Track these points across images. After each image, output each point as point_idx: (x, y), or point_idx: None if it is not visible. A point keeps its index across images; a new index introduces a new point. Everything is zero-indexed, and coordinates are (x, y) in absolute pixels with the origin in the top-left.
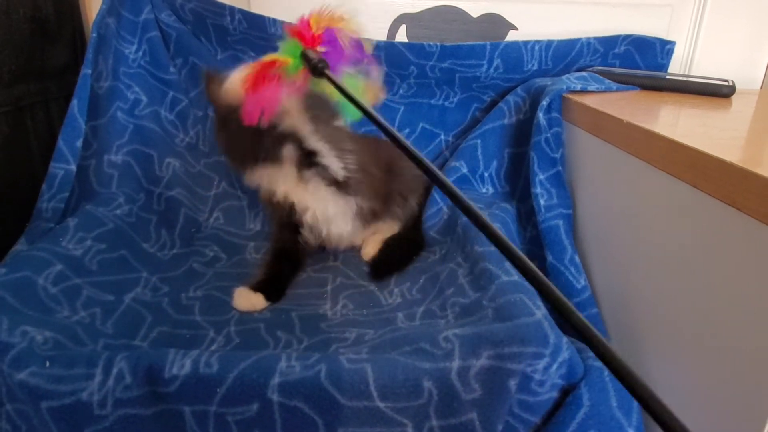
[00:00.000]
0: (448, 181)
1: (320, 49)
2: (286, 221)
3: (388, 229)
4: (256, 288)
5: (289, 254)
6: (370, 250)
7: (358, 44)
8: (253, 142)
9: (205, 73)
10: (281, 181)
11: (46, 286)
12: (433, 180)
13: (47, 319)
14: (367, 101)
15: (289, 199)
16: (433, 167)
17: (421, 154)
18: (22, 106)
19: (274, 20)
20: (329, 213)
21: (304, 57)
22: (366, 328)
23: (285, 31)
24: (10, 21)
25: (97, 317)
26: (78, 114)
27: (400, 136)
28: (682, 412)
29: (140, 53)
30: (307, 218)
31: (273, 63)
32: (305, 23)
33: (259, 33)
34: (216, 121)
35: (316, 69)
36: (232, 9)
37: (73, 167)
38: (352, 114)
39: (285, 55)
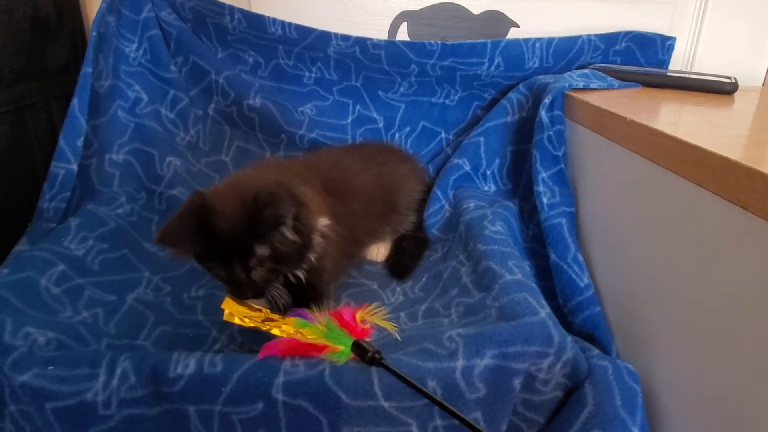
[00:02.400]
0: None
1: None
2: None
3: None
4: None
5: None
6: (383, 251)
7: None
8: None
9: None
10: None
11: (49, 287)
12: None
13: (50, 320)
14: None
15: None
16: None
17: None
18: (23, 106)
19: (274, 20)
20: None
21: (357, 348)
22: None
23: (331, 320)
24: (10, 21)
25: (100, 317)
26: (79, 113)
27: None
28: (686, 409)
29: (141, 52)
30: None
31: (323, 347)
32: (352, 317)
33: (259, 32)
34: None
35: (374, 360)
36: (231, 8)
37: (74, 167)
38: None
39: (337, 343)
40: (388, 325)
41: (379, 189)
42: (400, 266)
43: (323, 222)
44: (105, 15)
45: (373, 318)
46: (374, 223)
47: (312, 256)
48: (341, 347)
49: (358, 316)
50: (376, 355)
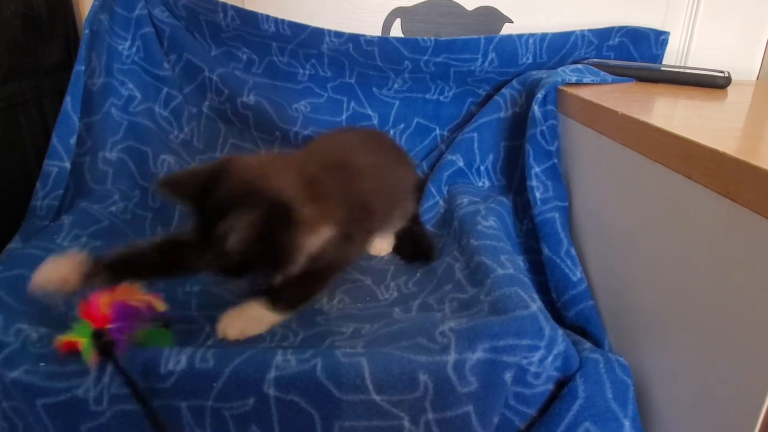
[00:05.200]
0: None
1: (109, 325)
2: None
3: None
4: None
5: None
6: (385, 245)
7: (150, 305)
8: None
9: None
10: None
11: None
12: None
13: (43, 315)
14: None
15: None
16: None
17: None
18: (16, 104)
19: (267, 17)
20: None
21: (95, 337)
22: (363, 322)
23: (79, 310)
24: (1, 18)
25: None
26: (71, 111)
27: None
28: (677, 401)
29: (134, 49)
30: None
31: (69, 343)
32: (94, 304)
33: (252, 30)
34: None
35: (104, 350)
36: (224, 5)
37: (67, 164)
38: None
39: (78, 336)
40: (151, 299)
41: (386, 170)
42: (422, 249)
43: (323, 234)
44: (98, 13)
45: (128, 296)
46: (386, 203)
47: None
48: (85, 339)
49: (101, 301)
50: (106, 346)
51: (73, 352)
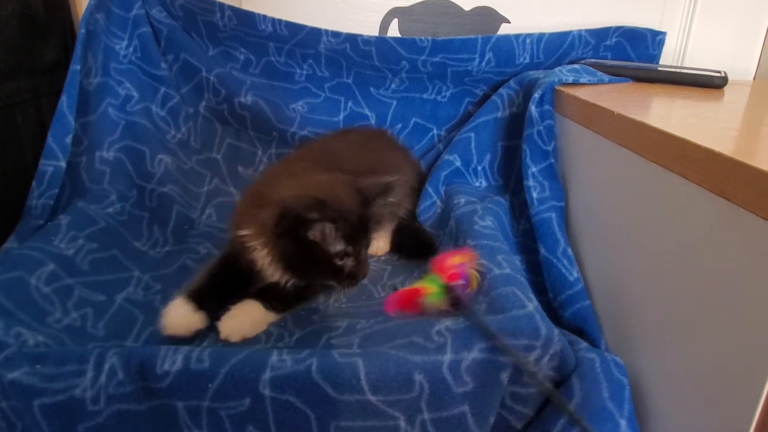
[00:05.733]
0: None
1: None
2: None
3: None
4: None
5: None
6: (383, 244)
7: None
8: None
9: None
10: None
11: (39, 286)
12: None
13: (40, 323)
14: None
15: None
16: None
17: None
18: (13, 104)
19: (264, 17)
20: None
21: (448, 290)
22: (358, 318)
23: (430, 266)
24: None
25: (89, 318)
26: (67, 110)
27: None
28: (673, 401)
29: (131, 49)
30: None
31: (418, 291)
32: (446, 262)
33: (250, 30)
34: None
35: (454, 302)
36: (222, 5)
37: (63, 164)
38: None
39: (429, 284)
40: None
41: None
42: (423, 244)
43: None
44: (94, 12)
45: (470, 261)
46: None
47: None
48: (435, 289)
49: (450, 261)
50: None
51: (411, 299)
